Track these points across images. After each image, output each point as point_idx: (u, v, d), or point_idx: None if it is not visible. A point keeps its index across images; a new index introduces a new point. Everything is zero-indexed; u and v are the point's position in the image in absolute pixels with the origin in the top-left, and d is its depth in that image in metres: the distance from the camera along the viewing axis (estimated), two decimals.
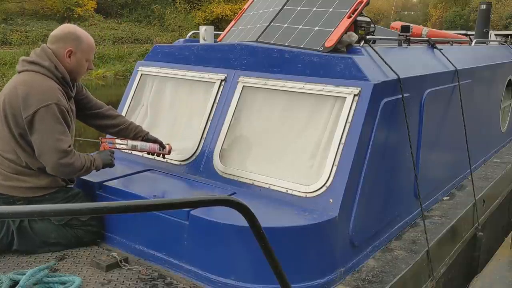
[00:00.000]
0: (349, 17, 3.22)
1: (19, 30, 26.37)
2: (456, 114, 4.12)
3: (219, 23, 31.94)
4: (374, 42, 3.43)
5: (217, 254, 2.60)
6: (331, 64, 3.01)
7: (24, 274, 2.47)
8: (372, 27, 3.41)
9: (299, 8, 3.56)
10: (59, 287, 2.48)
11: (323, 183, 2.76)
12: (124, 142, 3.22)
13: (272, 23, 3.57)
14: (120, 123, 3.28)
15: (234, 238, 2.56)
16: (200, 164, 3.27)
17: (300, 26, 3.41)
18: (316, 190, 2.77)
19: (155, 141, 3.32)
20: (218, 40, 3.97)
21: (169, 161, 3.42)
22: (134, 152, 3.59)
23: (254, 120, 3.23)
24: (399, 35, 3.94)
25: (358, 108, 2.85)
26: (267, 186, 2.95)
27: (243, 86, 3.30)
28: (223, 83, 3.40)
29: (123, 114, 3.72)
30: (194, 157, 3.32)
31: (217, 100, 3.38)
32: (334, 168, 2.77)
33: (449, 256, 3.64)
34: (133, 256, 2.88)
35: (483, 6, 6.85)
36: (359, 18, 3.26)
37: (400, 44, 3.82)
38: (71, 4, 29.36)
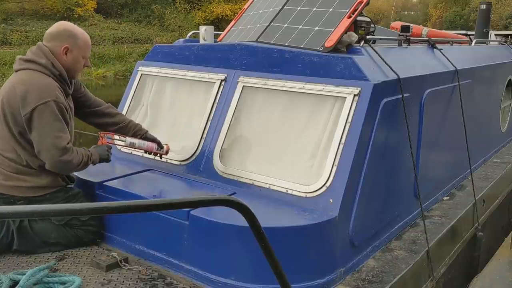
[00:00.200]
0: (349, 17, 3.22)
1: (19, 30, 26.36)
2: (456, 114, 4.12)
3: (219, 23, 31.94)
4: (374, 42, 3.43)
5: (217, 254, 2.60)
6: (331, 64, 3.01)
7: (24, 274, 2.47)
8: (372, 27, 3.41)
9: (299, 8, 3.56)
10: (59, 287, 2.48)
11: (323, 183, 2.76)
12: (123, 138, 3.22)
13: (272, 23, 3.57)
14: (119, 121, 3.28)
15: (234, 238, 2.56)
16: (200, 164, 3.27)
17: (300, 26, 3.41)
18: (316, 190, 2.77)
19: (153, 140, 3.32)
20: (218, 40, 3.97)
21: (169, 161, 3.42)
22: (134, 152, 3.59)
23: (254, 120, 3.23)
24: (399, 35, 3.94)
25: (358, 108, 2.85)
26: (267, 186, 2.95)
27: (243, 86, 3.30)
28: (223, 83, 3.40)
29: (123, 114, 3.72)
30: (194, 157, 3.32)
31: (217, 100, 3.38)
32: (334, 168, 2.77)
33: (449, 256, 3.64)
34: (133, 256, 2.88)
35: (483, 6, 6.85)
36: (359, 18, 3.26)
37: (400, 44, 3.82)
38: (71, 4, 29.36)
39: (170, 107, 3.69)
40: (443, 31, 7.10)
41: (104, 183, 3.10)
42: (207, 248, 2.64)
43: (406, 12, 66.47)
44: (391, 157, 3.18)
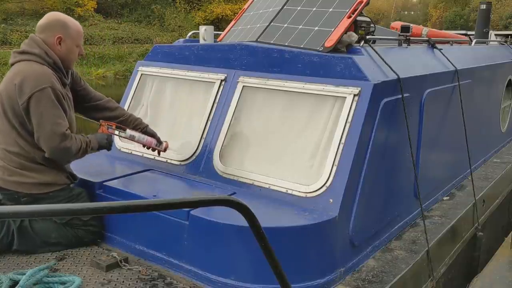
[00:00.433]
0: (349, 17, 3.22)
1: (19, 30, 26.37)
2: (456, 114, 4.12)
3: (219, 23, 31.94)
4: (374, 42, 3.43)
5: (217, 254, 2.60)
6: (331, 64, 3.01)
7: (24, 274, 2.47)
8: (372, 27, 3.41)
9: (299, 8, 3.56)
10: (59, 287, 2.48)
11: (323, 183, 2.76)
12: (124, 130, 3.20)
13: (272, 23, 3.57)
14: (119, 114, 3.29)
15: (234, 238, 2.56)
16: (200, 164, 3.27)
17: (300, 26, 3.41)
18: (316, 190, 2.77)
19: (153, 135, 3.32)
20: (218, 40, 3.97)
21: (169, 161, 3.42)
22: (134, 152, 3.59)
23: (254, 120, 3.23)
24: (399, 35, 3.94)
25: (358, 108, 2.85)
26: (267, 186, 2.95)
27: (243, 86, 3.30)
28: (223, 83, 3.40)
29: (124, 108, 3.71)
30: (194, 157, 3.32)
31: (217, 100, 3.38)
32: (334, 168, 2.77)
33: (449, 256, 3.64)
34: (133, 256, 2.88)
35: (483, 6, 6.85)
36: (359, 18, 3.26)
37: (400, 44, 3.82)
38: (71, 4, 29.37)
39: (170, 107, 3.69)
40: (443, 31, 7.10)
41: (104, 183, 3.10)
42: (207, 248, 2.64)
43: (406, 12, 66.47)
44: (391, 157, 3.18)
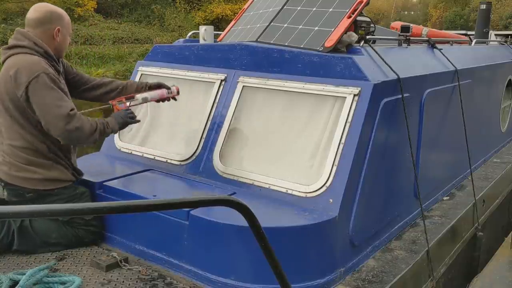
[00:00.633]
0: (349, 17, 3.22)
1: None
2: (456, 114, 4.12)
3: (219, 23, 31.92)
4: (374, 42, 3.43)
5: (217, 254, 2.60)
6: (331, 64, 3.01)
7: (24, 274, 2.47)
8: (372, 27, 3.41)
9: (299, 8, 3.56)
10: (59, 287, 2.48)
11: (323, 183, 2.76)
12: (134, 97, 3.14)
13: (272, 23, 3.57)
14: (117, 85, 3.29)
15: (234, 238, 2.56)
16: (200, 164, 3.27)
17: (300, 26, 3.41)
18: (316, 190, 2.77)
19: (160, 86, 3.28)
20: (218, 40, 3.97)
21: (169, 161, 3.42)
22: (134, 152, 3.59)
23: (254, 120, 3.23)
24: (399, 35, 3.94)
25: (358, 108, 2.85)
26: (267, 186, 2.95)
27: (243, 86, 3.30)
28: (223, 83, 3.40)
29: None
30: (194, 157, 3.32)
31: (217, 100, 3.38)
32: (334, 168, 2.77)
33: (449, 256, 3.64)
34: (133, 256, 2.88)
35: (483, 6, 6.85)
36: (359, 18, 3.27)
37: (400, 44, 3.82)
38: (71, 4, 29.32)
39: (170, 107, 3.69)
40: (443, 31, 7.10)
41: (104, 183, 3.10)
42: (207, 248, 2.64)
43: (406, 12, 66.43)
44: (391, 157, 3.18)
